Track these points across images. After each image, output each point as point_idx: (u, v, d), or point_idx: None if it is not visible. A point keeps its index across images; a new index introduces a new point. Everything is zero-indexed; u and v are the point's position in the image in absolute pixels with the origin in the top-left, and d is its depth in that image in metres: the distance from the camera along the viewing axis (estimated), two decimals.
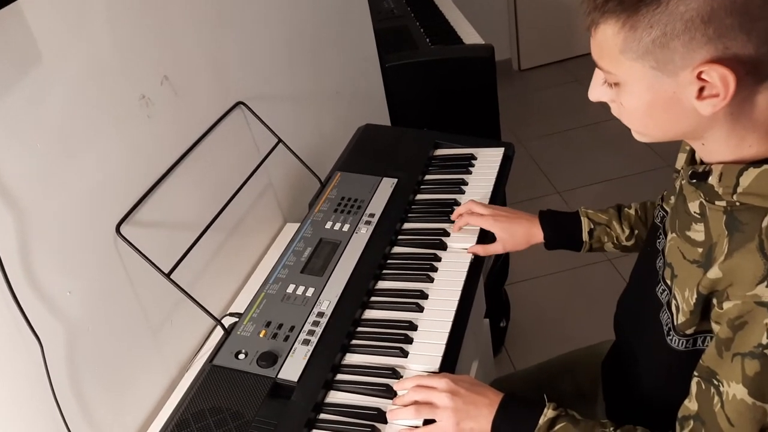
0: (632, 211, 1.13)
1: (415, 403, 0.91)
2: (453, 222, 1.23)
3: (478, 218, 1.18)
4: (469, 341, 1.24)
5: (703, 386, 0.76)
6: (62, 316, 0.92)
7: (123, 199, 1.03)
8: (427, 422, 0.90)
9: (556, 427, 0.85)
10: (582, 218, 1.14)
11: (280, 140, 1.36)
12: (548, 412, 0.86)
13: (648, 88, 0.72)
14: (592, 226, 1.13)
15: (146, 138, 1.07)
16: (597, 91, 0.80)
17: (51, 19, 0.88)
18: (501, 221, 1.16)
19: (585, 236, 1.13)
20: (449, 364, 0.99)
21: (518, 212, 1.19)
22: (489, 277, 1.91)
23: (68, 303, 0.93)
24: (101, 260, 0.99)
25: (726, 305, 0.72)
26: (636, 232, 1.11)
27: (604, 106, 0.83)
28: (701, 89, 0.69)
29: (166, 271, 1.05)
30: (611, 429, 0.83)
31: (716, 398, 0.74)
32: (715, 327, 0.75)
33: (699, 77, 0.68)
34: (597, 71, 0.78)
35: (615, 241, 1.13)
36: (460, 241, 1.19)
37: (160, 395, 1.11)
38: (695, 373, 0.78)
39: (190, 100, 1.17)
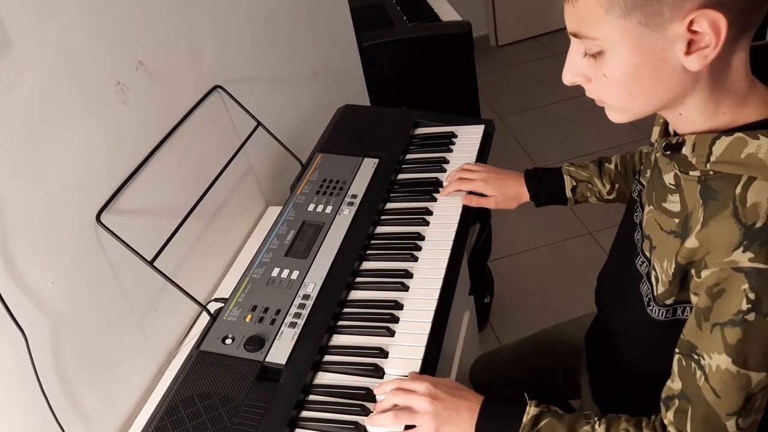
0: (612, 166, 1.16)
1: (395, 407, 0.89)
2: (435, 200, 1.24)
3: (469, 183, 1.22)
4: (454, 318, 1.25)
5: (684, 363, 0.76)
6: (46, 307, 0.91)
7: (102, 188, 1.02)
8: (409, 427, 0.88)
9: (541, 424, 0.84)
10: (564, 176, 1.18)
11: (259, 123, 1.35)
12: (531, 410, 0.85)
13: (635, 48, 0.70)
14: (575, 183, 1.17)
15: (123, 125, 1.06)
16: (571, 72, 0.77)
17: (21, 5, 0.86)
18: (492, 182, 1.21)
19: (568, 193, 1.18)
20: (435, 341, 1.00)
21: (507, 172, 1.23)
22: (472, 254, 1.92)
23: (51, 294, 0.92)
24: (83, 250, 0.98)
25: (704, 273, 0.72)
26: (617, 186, 1.15)
27: None
28: (689, 44, 0.67)
29: (149, 259, 1.05)
30: (595, 419, 0.83)
31: (698, 373, 0.74)
32: (693, 298, 0.76)
33: (689, 29, 0.66)
34: (572, 49, 0.77)
35: (597, 195, 1.17)
36: (444, 220, 1.20)
37: (148, 382, 1.11)
38: (676, 350, 0.78)
39: (166, 85, 1.16)
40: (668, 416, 0.79)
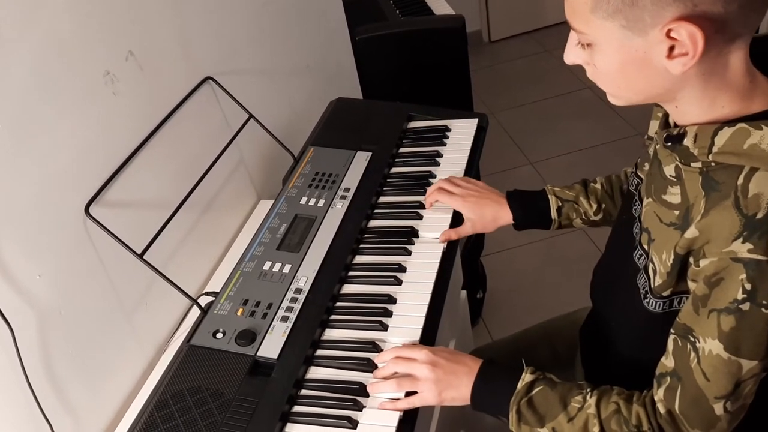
0: (598, 186, 1.13)
1: (396, 375, 0.91)
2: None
3: (448, 197, 1.17)
4: (447, 313, 1.24)
5: (680, 343, 0.77)
6: (33, 300, 0.90)
7: (91, 179, 1.00)
8: (409, 393, 0.90)
9: (534, 391, 0.86)
10: (549, 196, 1.13)
11: (251, 116, 1.33)
12: (526, 377, 0.87)
13: (619, 48, 0.72)
14: (560, 204, 1.13)
15: (113, 115, 1.04)
16: (572, 54, 0.80)
17: None
18: (469, 202, 1.15)
19: (554, 214, 1.13)
20: (429, 336, 0.99)
21: (488, 191, 1.17)
22: (465, 249, 1.92)
23: (39, 287, 0.90)
24: (71, 242, 0.96)
25: (702, 263, 0.73)
26: (603, 206, 1.12)
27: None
28: (671, 48, 0.69)
29: (139, 252, 1.03)
30: (588, 390, 0.85)
31: (692, 354, 0.76)
32: (691, 285, 0.77)
33: (668, 36, 0.68)
34: (571, 33, 0.79)
35: (583, 217, 1.13)
36: (437, 214, 1.19)
37: (138, 377, 1.10)
38: (672, 331, 0.79)
39: (157, 75, 1.14)
40: (659, 393, 0.80)
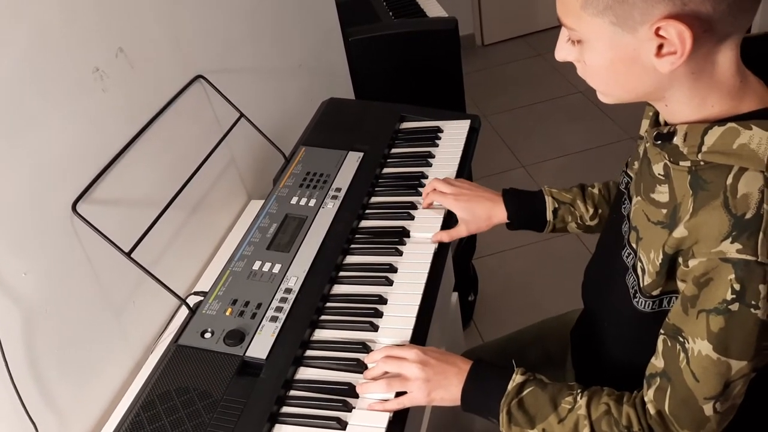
0: (596, 191, 1.12)
1: (386, 374, 0.91)
2: (420, 195, 1.22)
3: (441, 196, 1.16)
4: (438, 315, 1.24)
5: (669, 343, 0.77)
6: (18, 298, 0.88)
7: (79, 177, 0.99)
8: (399, 394, 0.90)
9: (525, 392, 0.85)
10: (546, 197, 1.12)
11: (242, 115, 1.32)
12: (516, 378, 0.87)
13: (608, 45, 0.72)
14: (557, 206, 1.11)
15: (101, 113, 1.03)
16: (562, 51, 0.79)
17: None
18: (462, 201, 1.13)
19: (549, 215, 1.11)
20: (419, 337, 0.99)
21: (481, 190, 1.16)
22: (457, 251, 1.91)
23: (24, 285, 0.89)
24: (58, 240, 0.95)
25: (691, 263, 0.73)
26: (600, 211, 1.11)
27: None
28: (660, 46, 0.69)
29: (127, 250, 1.02)
30: (578, 391, 0.84)
31: (682, 355, 0.75)
32: (680, 285, 0.76)
33: (657, 34, 0.68)
34: (562, 30, 0.78)
35: (579, 221, 1.12)
36: (428, 215, 1.18)
37: (125, 377, 1.09)
38: (661, 331, 0.79)
39: (147, 73, 1.13)
40: (649, 394, 0.80)
